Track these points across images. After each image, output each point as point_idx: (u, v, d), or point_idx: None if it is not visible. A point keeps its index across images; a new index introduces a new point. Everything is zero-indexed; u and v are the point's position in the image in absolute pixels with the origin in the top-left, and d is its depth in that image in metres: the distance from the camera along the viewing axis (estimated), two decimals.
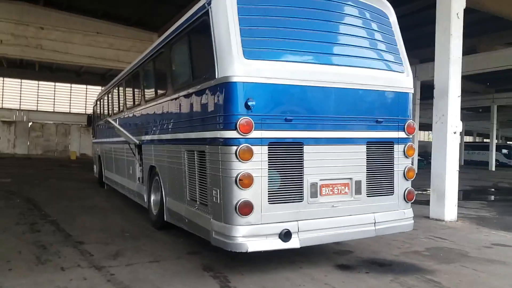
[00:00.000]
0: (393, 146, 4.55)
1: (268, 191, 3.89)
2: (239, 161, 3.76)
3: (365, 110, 4.40)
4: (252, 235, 3.78)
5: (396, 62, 4.70)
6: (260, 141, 3.84)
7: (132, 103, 7.71)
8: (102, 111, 11.47)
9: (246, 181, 3.76)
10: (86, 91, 34.87)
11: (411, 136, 4.68)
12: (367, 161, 4.39)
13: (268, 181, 3.89)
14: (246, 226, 3.78)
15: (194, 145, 4.58)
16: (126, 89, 8.28)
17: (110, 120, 6.85)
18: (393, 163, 4.55)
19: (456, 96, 7.77)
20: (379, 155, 4.48)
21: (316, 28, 4.24)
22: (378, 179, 4.47)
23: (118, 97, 9.08)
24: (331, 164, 4.20)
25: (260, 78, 3.87)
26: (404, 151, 4.61)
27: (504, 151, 36.54)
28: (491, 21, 13.32)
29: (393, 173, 4.55)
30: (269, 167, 3.89)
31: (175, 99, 5.14)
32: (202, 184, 4.40)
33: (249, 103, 3.76)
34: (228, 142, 3.81)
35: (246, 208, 3.76)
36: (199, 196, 4.49)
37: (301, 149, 4.04)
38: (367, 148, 4.40)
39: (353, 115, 4.32)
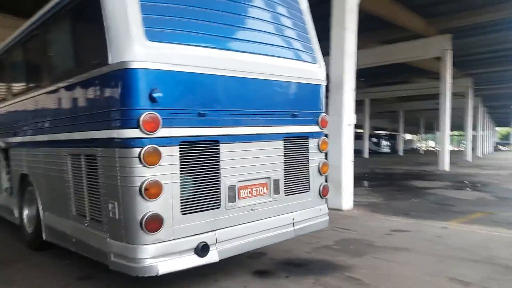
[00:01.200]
0: (308, 141, 4.29)
1: (181, 200, 3.29)
2: (144, 166, 3.09)
3: (281, 103, 4.05)
4: (162, 254, 3.15)
5: (309, 52, 4.44)
6: (169, 141, 3.22)
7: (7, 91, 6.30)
8: None
9: (153, 191, 3.11)
10: None
11: (324, 130, 4.49)
12: (284, 158, 4.06)
13: (181, 188, 3.29)
14: (154, 245, 3.13)
15: (79, 147, 3.74)
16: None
17: None
18: (308, 158, 4.30)
19: (351, 90, 7.98)
20: (295, 151, 4.18)
21: (228, 10, 3.73)
22: (295, 177, 4.17)
23: None
24: (249, 163, 3.75)
25: (167, 65, 3.22)
26: (318, 145, 4.39)
27: (374, 140, 40.63)
28: (367, 21, 14.31)
29: (309, 169, 4.30)
30: (181, 171, 3.29)
31: (53, 91, 4.18)
32: (93, 196, 3.60)
33: (155, 95, 3.10)
34: (128, 143, 3.10)
35: (155, 223, 3.12)
36: (89, 211, 3.68)
37: (217, 148, 3.52)
38: (284, 144, 4.06)
39: (269, 109, 3.93)
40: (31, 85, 4.89)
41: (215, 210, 3.50)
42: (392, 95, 33.08)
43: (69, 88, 3.85)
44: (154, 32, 3.22)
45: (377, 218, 7.36)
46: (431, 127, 56.35)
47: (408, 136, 63.69)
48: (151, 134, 3.10)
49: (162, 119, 3.15)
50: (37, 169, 4.74)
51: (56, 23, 4.17)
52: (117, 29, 3.17)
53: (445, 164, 19.06)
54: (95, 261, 3.70)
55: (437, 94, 19.51)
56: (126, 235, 3.16)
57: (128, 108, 3.10)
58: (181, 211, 3.29)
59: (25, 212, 5.36)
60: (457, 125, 32.05)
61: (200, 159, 3.42)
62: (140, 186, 3.07)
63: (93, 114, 3.48)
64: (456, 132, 60.32)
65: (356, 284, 3.90)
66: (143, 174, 3.09)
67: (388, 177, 16.59)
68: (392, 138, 44.20)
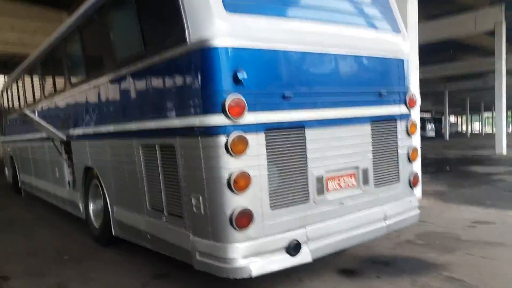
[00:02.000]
0: (396, 124, 3.84)
1: (270, 194, 2.96)
2: (231, 155, 2.78)
3: (367, 81, 3.61)
4: (254, 254, 2.84)
5: (392, 22, 3.95)
6: (255, 128, 2.88)
7: (53, 89, 6.21)
8: (11, 103, 9.54)
9: (242, 183, 2.79)
10: None
11: (412, 111, 4.01)
12: (372, 145, 3.63)
13: (269, 180, 2.95)
14: (245, 243, 2.83)
15: (153, 138, 3.48)
16: (43, 72, 6.70)
17: (27, 112, 5.38)
18: (397, 144, 3.85)
19: (415, 68, 7.35)
20: (384, 136, 3.74)
21: None
22: (384, 165, 3.74)
23: (32, 84, 7.42)
24: (336, 152, 3.36)
25: (251, 41, 2.88)
26: (407, 129, 3.93)
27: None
28: None
29: (398, 156, 3.86)
30: (268, 161, 2.95)
31: (119, 78, 3.95)
32: (171, 190, 3.34)
33: (240, 76, 2.77)
34: (212, 131, 2.80)
35: (245, 219, 2.81)
36: (167, 206, 3.43)
37: (303, 135, 3.15)
38: (372, 129, 3.63)
39: (355, 88, 3.51)
40: (92, 73, 4.69)
41: (304, 204, 3.15)
42: (437, 74, 31.42)
43: (138, 73, 3.58)
44: (235, 3, 2.86)
45: (451, 208, 6.78)
46: (477, 108, 53.52)
47: (452, 119, 60.85)
48: (237, 120, 2.79)
49: (248, 103, 2.81)
50: (104, 162, 4.57)
51: (119, 2, 3.89)
52: (194, 2, 2.85)
53: (503, 147, 17.75)
54: (169, 258, 3.48)
55: (485, 72, 18.06)
56: (214, 232, 2.87)
57: (210, 91, 2.78)
58: (270, 206, 2.96)
59: (91, 206, 5.25)
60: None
61: (286, 147, 3.07)
62: (229, 178, 2.76)
63: (169, 101, 3.20)
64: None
65: (460, 286, 3.45)
66: (230, 165, 2.78)
67: (444, 163, 15.68)
68: (437, 121, 42.21)
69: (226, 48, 2.77)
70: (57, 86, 6.07)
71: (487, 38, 17.63)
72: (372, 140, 3.63)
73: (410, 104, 3.94)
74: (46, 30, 19.66)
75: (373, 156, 3.62)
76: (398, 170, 3.85)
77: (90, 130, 4.87)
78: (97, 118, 4.63)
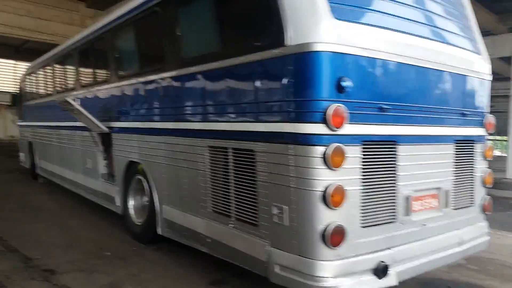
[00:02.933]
0: (474, 146, 3.68)
1: (361, 210, 2.79)
2: (328, 168, 2.60)
3: (453, 100, 3.46)
4: (343, 274, 2.66)
5: (474, 42, 3.80)
6: (351, 139, 2.71)
7: (93, 79, 6.03)
8: (36, 88, 9.36)
9: (337, 198, 2.62)
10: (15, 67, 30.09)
11: (488, 134, 3.85)
12: (454, 165, 3.46)
13: (361, 197, 2.78)
14: (336, 262, 2.65)
15: (226, 140, 3.30)
16: (83, 61, 6.51)
17: (69, 100, 5.18)
18: (473, 167, 3.68)
19: None
20: (463, 157, 3.57)
21: None
22: (462, 188, 3.57)
23: (66, 72, 7.24)
24: (422, 171, 3.19)
25: (355, 48, 2.71)
26: (483, 151, 3.76)
27: None
28: None
29: (474, 179, 3.69)
30: (362, 176, 2.78)
31: (186, 76, 3.77)
32: (244, 196, 3.16)
33: (343, 84, 2.60)
34: (309, 139, 2.62)
35: (338, 236, 2.63)
36: (236, 211, 3.26)
37: (395, 150, 2.98)
38: (454, 149, 3.47)
39: (443, 106, 3.35)
40: (150, 67, 4.51)
41: (391, 224, 2.98)
42: None
43: (213, 73, 3.40)
44: (340, 10, 2.71)
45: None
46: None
47: None
48: (336, 131, 2.61)
49: (349, 113, 2.64)
50: (155, 158, 4.38)
51: None
52: (299, 5, 2.68)
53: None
54: (222, 263, 3.32)
55: (495, 96, 17.83)
56: (301, 246, 2.69)
57: (310, 98, 2.61)
58: (361, 224, 2.79)
59: (131, 202, 5.07)
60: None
61: (379, 163, 2.90)
62: (324, 191, 2.59)
63: (254, 104, 3.01)
64: None
65: None
66: (326, 177, 2.61)
67: None
68: None
69: (331, 54, 2.61)
70: (99, 76, 5.90)
71: (501, 64, 17.53)
72: (454, 160, 3.46)
73: (487, 127, 3.78)
74: (62, 19, 19.58)
75: (453, 177, 3.45)
76: (473, 194, 3.68)
77: (140, 124, 4.69)
78: (151, 113, 4.45)
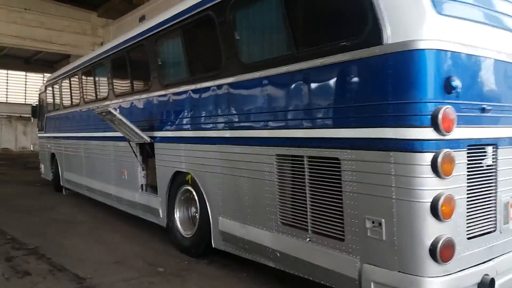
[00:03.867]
0: None
1: (467, 221, 2.56)
2: (437, 176, 2.38)
3: None
4: None
5: None
6: (458, 144, 2.49)
7: (130, 88, 5.85)
8: (59, 99, 9.19)
9: (448, 209, 2.39)
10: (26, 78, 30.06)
11: None
12: None
13: (467, 206, 2.56)
14: (443, 277, 2.42)
15: (303, 147, 3.07)
16: (115, 71, 6.31)
17: (112, 110, 4.97)
18: None
19: None
20: None
21: None
22: None
23: (96, 81, 7.06)
24: None
25: (458, 45, 2.51)
26: None
27: None
28: None
29: None
30: (468, 183, 2.56)
31: (247, 83, 3.57)
32: (324, 207, 2.94)
33: (453, 83, 2.39)
34: (416, 146, 2.39)
35: (449, 251, 2.41)
36: (313, 223, 3.04)
37: (496, 154, 2.76)
38: None
39: None
40: (200, 74, 4.31)
41: (492, 234, 2.76)
42: None
43: (290, 75, 3.17)
44: (442, 4, 2.50)
45: None
46: None
47: None
48: (446, 135, 2.39)
49: (457, 115, 2.42)
50: (208, 167, 4.17)
51: None
52: (397, 0, 2.48)
53: None
54: (283, 275, 3.26)
55: None
56: (403, 262, 2.46)
57: (417, 100, 2.39)
58: (467, 235, 2.56)
59: (178, 214, 4.85)
60: None
61: (482, 168, 2.68)
62: (434, 203, 2.36)
63: (339, 108, 2.80)
64: None
65: None
66: (436, 187, 2.38)
67: None
68: None
69: (438, 51, 2.40)
70: (138, 85, 5.72)
71: None
72: None
73: None
74: (74, 29, 19.53)
75: None
76: None
77: (189, 133, 4.48)
78: (203, 121, 4.23)
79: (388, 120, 2.49)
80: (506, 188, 2.82)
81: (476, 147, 2.62)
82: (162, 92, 4.95)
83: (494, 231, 2.76)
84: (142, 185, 5.68)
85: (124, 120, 5.00)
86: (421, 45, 2.37)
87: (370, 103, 2.59)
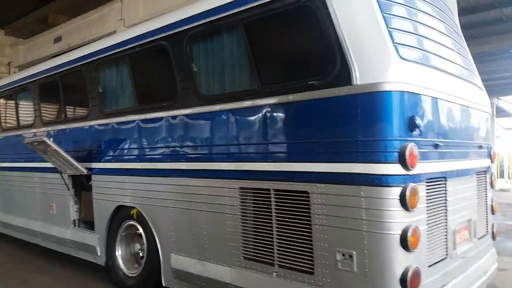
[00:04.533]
0: (485, 177, 3.88)
1: (427, 250, 2.76)
2: (405, 209, 2.54)
3: (472, 134, 3.63)
4: None
5: (477, 77, 4.08)
6: (419, 178, 2.70)
7: (68, 114, 5.44)
8: None
9: (415, 239, 2.56)
10: None
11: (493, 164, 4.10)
12: (477, 196, 3.61)
13: (427, 235, 2.76)
14: None
15: (270, 181, 3.09)
16: (53, 94, 5.76)
17: (47, 139, 4.53)
18: (486, 196, 3.88)
19: None
20: (480, 188, 3.74)
21: (444, 32, 3.35)
22: (481, 217, 3.72)
23: (20, 107, 6.44)
24: (460, 204, 3.26)
25: (418, 88, 2.75)
26: (491, 181, 3.99)
27: None
28: None
29: (487, 208, 3.88)
30: (427, 214, 2.77)
31: (209, 114, 3.53)
32: (291, 241, 2.97)
33: (416, 122, 2.60)
34: (385, 180, 2.54)
35: (416, 279, 2.57)
36: (280, 257, 3.04)
37: (445, 186, 3.02)
38: (476, 180, 3.62)
39: (469, 140, 3.53)
40: (152, 104, 4.18)
41: (445, 260, 2.99)
42: None
43: (256, 109, 3.19)
44: (403, 50, 2.74)
45: None
46: None
47: None
48: (411, 170, 2.58)
49: (419, 151, 2.64)
50: (158, 201, 3.99)
51: (252, 24, 3.26)
52: (363, 45, 2.66)
53: None
54: None
55: None
56: None
57: (385, 138, 2.56)
58: (427, 263, 2.75)
59: (119, 251, 4.53)
60: None
61: (435, 200, 2.92)
62: (403, 234, 2.51)
63: (309, 143, 2.88)
64: None
65: None
66: (404, 219, 2.54)
67: None
68: None
69: (402, 93, 2.61)
70: (70, 113, 5.35)
71: None
72: (476, 192, 3.61)
73: (493, 158, 4.03)
74: None
75: (476, 208, 3.59)
76: (487, 222, 3.86)
77: (135, 165, 4.26)
78: (154, 153, 4.07)
79: (358, 155, 2.62)
80: (453, 216, 3.09)
81: (432, 180, 2.85)
82: (103, 121, 4.68)
83: (446, 257, 3.00)
84: (74, 220, 5.23)
85: (59, 150, 4.61)
86: (388, 87, 2.56)
87: (339, 139, 2.71)
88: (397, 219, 2.52)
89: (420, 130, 2.63)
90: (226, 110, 3.39)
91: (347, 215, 2.66)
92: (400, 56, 2.66)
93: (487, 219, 3.85)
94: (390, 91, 2.56)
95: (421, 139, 2.69)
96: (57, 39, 14.72)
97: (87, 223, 5.08)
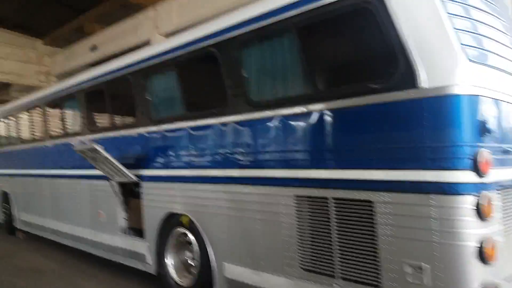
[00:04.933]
0: None
1: (503, 262, 2.61)
2: (480, 219, 2.41)
3: None
4: None
5: None
6: (493, 186, 2.56)
7: (112, 122, 5.55)
8: (14, 133, 8.54)
9: (491, 252, 2.43)
10: None
11: None
12: None
13: (503, 246, 2.61)
14: None
15: (329, 189, 3.02)
16: (91, 104, 5.96)
17: (98, 147, 4.64)
18: None
19: None
20: None
21: (503, 30, 3.19)
22: None
23: (67, 115, 6.63)
24: None
25: (487, 91, 2.63)
26: None
27: None
28: None
29: None
30: (503, 224, 2.63)
31: (261, 121, 3.49)
32: (354, 252, 2.88)
33: (487, 127, 2.48)
34: (458, 189, 2.43)
35: None
36: (342, 269, 2.95)
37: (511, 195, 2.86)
38: None
39: None
40: (205, 110, 4.15)
41: None
42: None
43: (312, 115, 3.13)
44: (470, 52, 2.62)
45: None
46: None
47: None
48: (484, 178, 2.45)
49: (493, 157, 2.50)
50: (210, 208, 3.98)
51: (306, 28, 3.20)
52: (429, 46, 2.55)
53: None
54: None
55: None
56: None
57: (456, 143, 2.44)
58: (503, 277, 2.60)
59: (170, 260, 4.55)
60: None
61: (509, 209, 2.76)
62: (479, 246, 2.38)
63: (372, 149, 2.78)
64: None
65: None
66: (479, 230, 2.42)
67: None
68: None
69: (472, 96, 2.50)
70: (118, 121, 5.45)
71: None
72: None
73: None
74: (18, 57, 18.46)
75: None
76: None
77: (186, 172, 4.27)
78: (203, 159, 4.06)
79: (427, 162, 2.51)
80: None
81: (505, 188, 2.70)
82: (152, 129, 4.72)
83: None
84: (123, 227, 5.31)
85: (110, 158, 4.69)
86: (458, 90, 2.44)
87: (405, 145, 2.61)
88: (471, 229, 2.40)
89: (491, 135, 2.49)
90: (280, 116, 3.34)
91: (415, 226, 2.56)
92: (468, 58, 2.54)
93: None
94: (460, 94, 2.44)
95: (492, 144, 2.56)
96: (93, 48, 15.16)
97: (136, 230, 5.14)
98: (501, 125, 2.76)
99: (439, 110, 2.48)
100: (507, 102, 2.86)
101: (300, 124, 3.22)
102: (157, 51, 4.63)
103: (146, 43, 10.59)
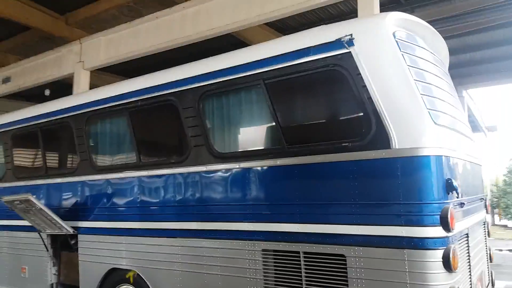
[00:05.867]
0: (485, 227, 4.05)
1: None
2: (448, 271, 2.56)
3: (477, 188, 3.78)
4: None
5: (469, 128, 4.31)
6: (456, 239, 2.76)
7: (46, 169, 5.03)
8: None
9: None
10: None
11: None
12: (484, 247, 3.75)
13: None
14: None
15: (299, 243, 3.01)
16: (43, 144, 5.29)
17: (32, 198, 4.11)
18: (486, 245, 4.03)
19: None
20: (484, 239, 3.89)
21: (448, 91, 3.54)
22: (485, 267, 3.84)
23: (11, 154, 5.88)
24: (476, 257, 3.37)
25: (449, 151, 2.88)
26: (488, 231, 4.16)
27: None
28: None
29: (488, 258, 4.02)
30: (464, 273, 2.82)
31: (225, 171, 3.42)
32: None
33: (453, 184, 2.69)
34: (428, 243, 2.57)
35: None
36: None
37: (467, 242, 3.11)
38: (482, 231, 3.77)
39: (476, 194, 3.68)
40: (161, 158, 4.00)
41: None
42: None
43: (284, 168, 3.13)
44: (434, 115, 2.86)
45: None
46: None
47: None
48: (452, 232, 2.63)
49: (455, 212, 2.71)
50: (161, 263, 3.73)
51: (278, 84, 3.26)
52: (399, 110, 2.74)
53: None
54: None
55: None
56: None
57: (427, 201, 2.61)
58: None
59: None
60: None
61: (467, 256, 3.00)
62: None
63: (343, 204, 2.85)
64: None
65: None
66: (447, 281, 2.57)
67: None
68: None
69: (439, 157, 2.70)
70: (52, 167, 4.98)
71: None
72: (483, 242, 3.75)
73: (487, 209, 4.23)
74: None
75: (484, 258, 3.72)
76: (488, 270, 3.99)
77: (135, 224, 3.99)
78: (155, 211, 3.84)
79: (400, 218, 2.63)
80: (474, 270, 3.18)
81: (462, 239, 2.93)
82: (93, 177, 4.38)
83: None
84: (52, 284, 4.75)
85: (45, 209, 4.22)
86: (427, 152, 2.64)
87: (378, 201, 2.72)
88: (442, 282, 2.54)
89: (456, 192, 2.71)
90: (248, 168, 3.30)
91: (389, 279, 2.64)
92: (434, 122, 2.77)
93: (488, 268, 3.99)
94: (429, 155, 2.64)
95: (456, 200, 2.77)
96: (6, 80, 13.95)
97: (66, 286, 4.64)
98: (460, 181, 3.01)
99: (410, 169, 2.65)
100: (461, 159, 3.14)
101: (270, 177, 3.21)
102: (106, 95, 4.37)
103: (69, 77, 10.06)
